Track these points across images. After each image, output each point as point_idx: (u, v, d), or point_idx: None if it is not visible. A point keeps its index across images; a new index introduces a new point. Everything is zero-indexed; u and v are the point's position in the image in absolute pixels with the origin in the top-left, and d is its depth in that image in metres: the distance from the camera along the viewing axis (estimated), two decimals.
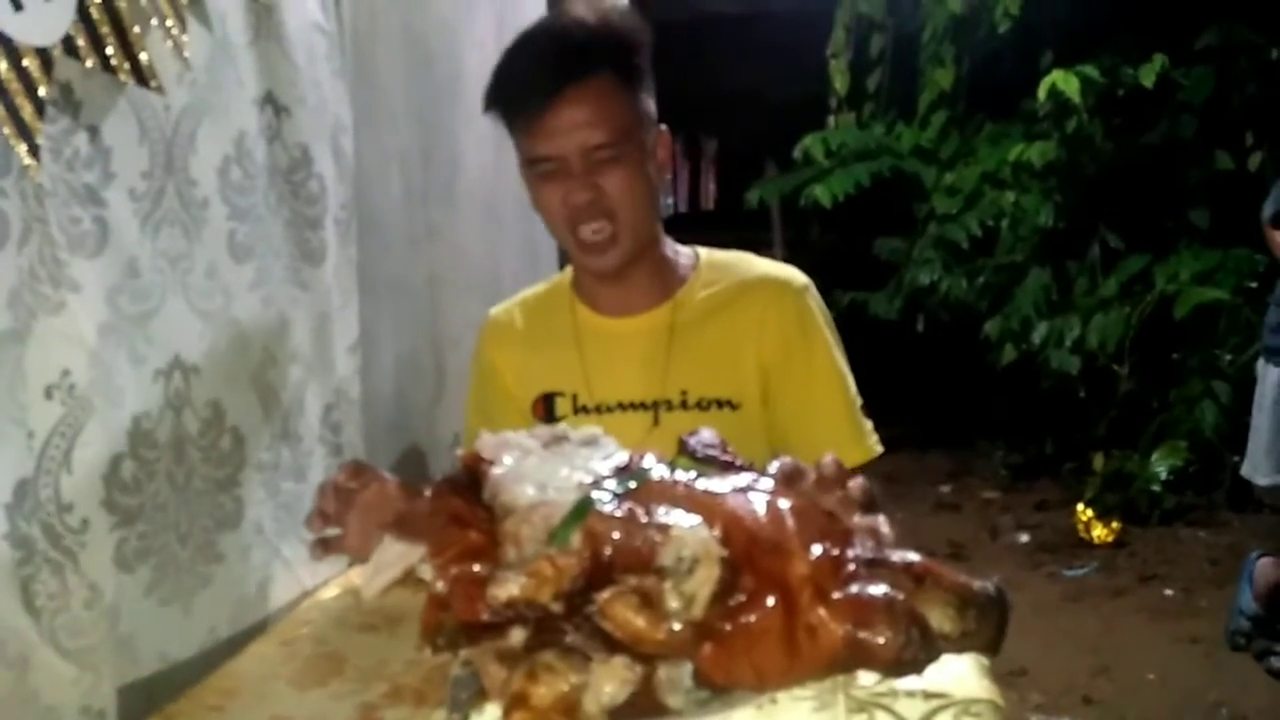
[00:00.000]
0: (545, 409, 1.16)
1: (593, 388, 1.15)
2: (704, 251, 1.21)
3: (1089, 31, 4.01)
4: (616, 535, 0.69)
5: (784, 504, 0.73)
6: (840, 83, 4.55)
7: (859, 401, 1.16)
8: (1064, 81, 3.73)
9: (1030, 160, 4.03)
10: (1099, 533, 3.59)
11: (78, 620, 0.78)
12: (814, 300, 1.17)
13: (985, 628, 0.70)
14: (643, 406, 1.13)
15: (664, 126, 1.13)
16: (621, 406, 1.14)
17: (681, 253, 1.19)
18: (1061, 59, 3.93)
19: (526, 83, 1.06)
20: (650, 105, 1.11)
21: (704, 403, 1.12)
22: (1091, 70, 3.78)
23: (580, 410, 1.14)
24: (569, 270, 1.22)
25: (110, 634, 0.81)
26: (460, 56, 1.82)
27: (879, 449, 1.16)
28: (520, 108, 1.06)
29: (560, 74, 1.04)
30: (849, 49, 4.51)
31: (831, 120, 4.63)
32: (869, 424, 1.16)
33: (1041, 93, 3.81)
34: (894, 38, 4.53)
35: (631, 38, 1.09)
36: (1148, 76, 3.76)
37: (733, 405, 1.12)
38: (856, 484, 0.76)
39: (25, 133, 0.73)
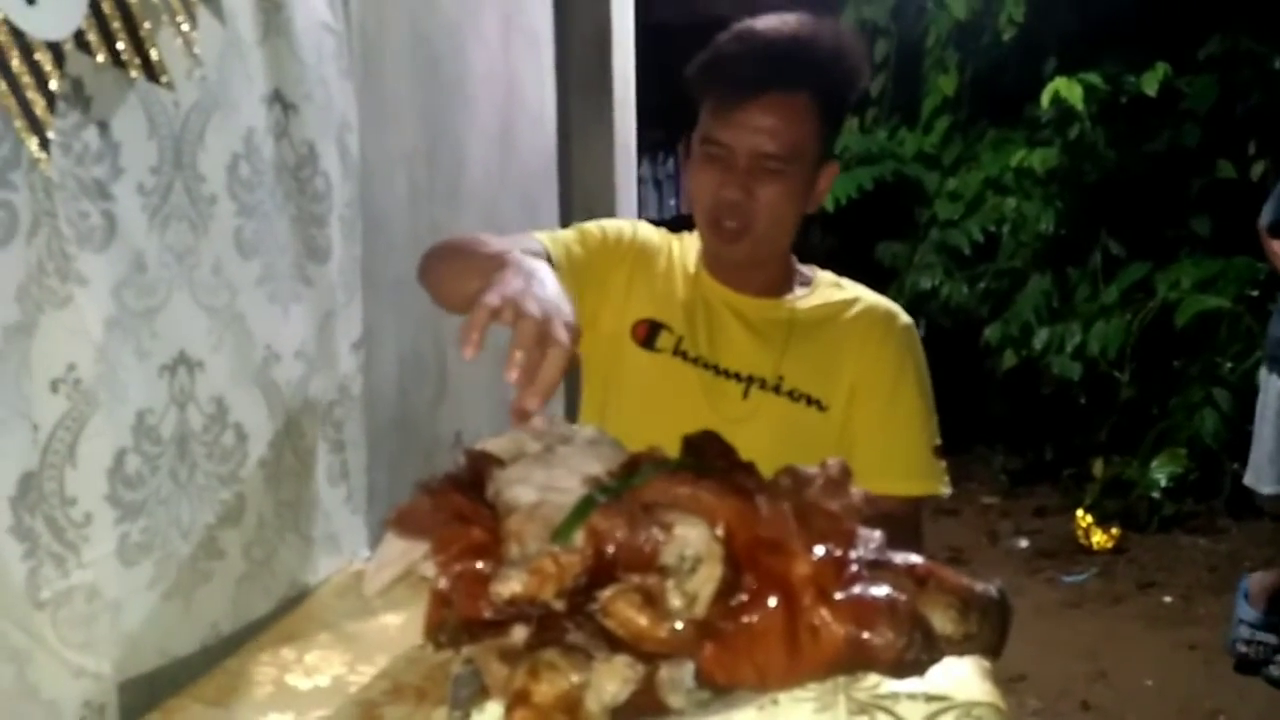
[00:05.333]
0: (647, 334, 1.18)
1: (697, 340, 1.18)
2: (822, 271, 1.26)
3: (1092, 39, 4.02)
4: (619, 533, 0.70)
5: (786, 505, 0.74)
6: None
7: (936, 443, 1.19)
8: (1067, 89, 3.74)
9: (1032, 167, 4.04)
10: (1098, 539, 3.60)
11: (80, 614, 0.78)
12: (915, 341, 1.21)
13: (987, 630, 0.71)
14: (736, 377, 1.16)
15: (835, 163, 1.18)
16: (716, 370, 1.17)
17: (802, 268, 1.25)
18: (1065, 66, 3.94)
19: (737, 69, 1.08)
20: (833, 140, 1.16)
21: (796, 394, 1.15)
22: (1095, 78, 3.79)
23: (679, 353, 1.17)
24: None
25: (112, 629, 0.81)
26: (466, 57, 1.82)
27: (945, 490, 1.18)
28: (720, 88, 1.09)
29: (769, 76, 1.07)
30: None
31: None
32: (941, 465, 1.18)
33: (1044, 100, 3.82)
34: (898, 43, 4.54)
35: (849, 74, 1.13)
36: (1151, 85, 3.77)
37: (821, 406, 1.15)
38: (859, 492, 0.77)
39: (36, 126, 0.73)
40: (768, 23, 1.11)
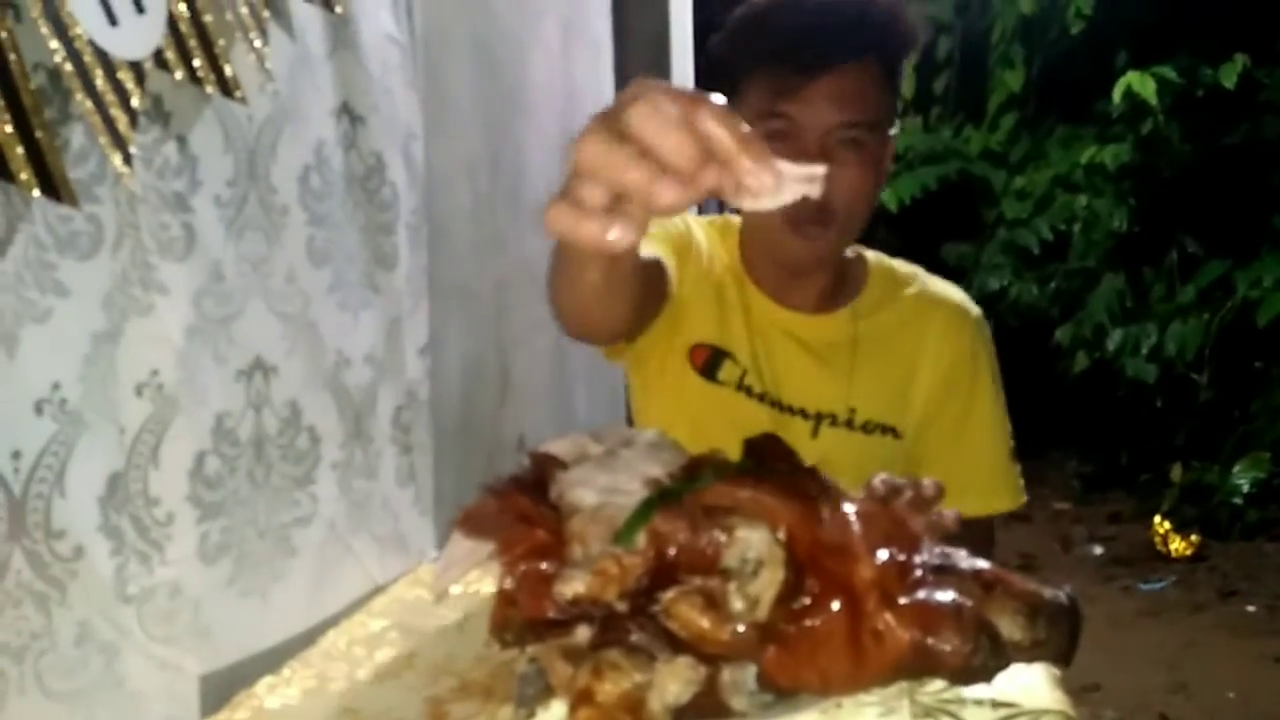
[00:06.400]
0: (708, 363, 1.06)
1: (762, 373, 1.06)
2: (870, 254, 1.14)
3: (1165, 31, 3.90)
4: (681, 536, 0.70)
5: (850, 508, 0.73)
6: (906, 86, 4.49)
7: (1011, 446, 1.11)
8: (1140, 83, 3.65)
9: (1104, 163, 3.94)
10: (1177, 546, 3.49)
11: (164, 610, 0.81)
12: (988, 338, 1.13)
13: (1056, 637, 0.69)
14: (803, 414, 1.05)
15: (894, 131, 1.07)
16: (780, 406, 1.06)
17: (847, 256, 1.12)
18: (1136, 60, 3.84)
19: (805, 42, 0.99)
20: (895, 109, 1.06)
21: (869, 426, 1.05)
22: (1168, 71, 3.68)
23: (744, 389, 1.05)
24: (732, 227, 1.11)
25: (194, 624, 0.84)
26: (527, 65, 1.85)
27: (1024, 498, 1.11)
28: (784, 65, 0.98)
29: (844, 44, 0.98)
30: (915, 51, 4.45)
31: (897, 123, 4.57)
32: (1017, 471, 1.11)
33: (1116, 94, 3.72)
34: (962, 39, 4.46)
35: (908, 36, 1.06)
36: (1228, 77, 3.66)
37: (896, 433, 1.06)
38: (951, 514, 0.75)
39: (120, 142, 0.76)
40: None
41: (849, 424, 1.05)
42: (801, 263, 1.06)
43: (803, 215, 0.98)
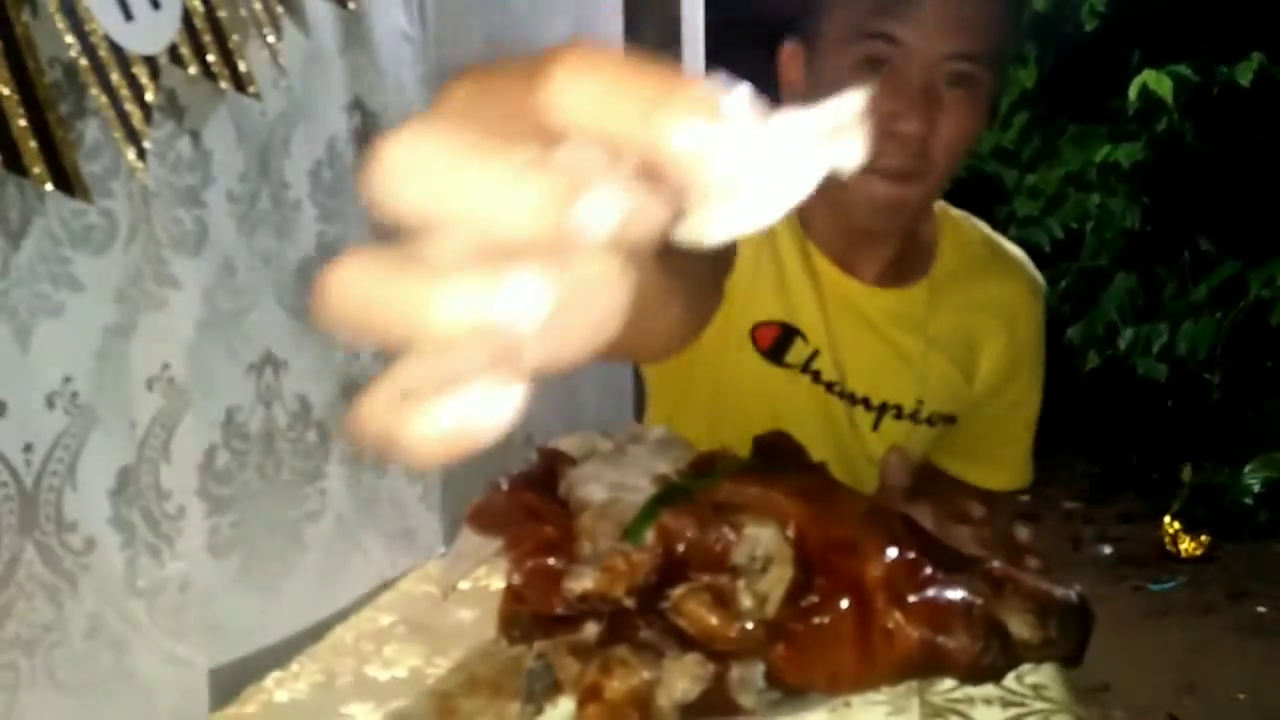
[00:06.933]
0: (777, 343, 0.90)
1: (838, 358, 0.91)
2: (941, 209, 0.97)
3: (1179, 29, 3.88)
4: (690, 533, 0.70)
5: (859, 506, 0.73)
6: None
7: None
8: (1156, 82, 3.63)
9: (1117, 161, 3.92)
10: (1187, 546, 3.48)
11: (174, 603, 0.82)
12: (1044, 317, 1.01)
13: (1066, 637, 0.69)
14: (866, 404, 0.93)
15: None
16: (843, 394, 0.93)
17: None
18: (1150, 57, 3.82)
19: None
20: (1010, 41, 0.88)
21: (934, 418, 0.94)
22: (1184, 69, 3.67)
23: (809, 372, 0.90)
24: None
25: (203, 617, 0.85)
26: None
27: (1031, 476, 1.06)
28: None
29: None
30: None
31: None
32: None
33: (1132, 93, 3.71)
34: None
35: None
36: (1244, 75, 3.64)
37: (952, 421, 0.96)
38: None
39: (133, 137, 0.77)
40: None
41: (914, 416, 0.94)
42: (876, 220, 0.86)
43: (889, 165, 0.81)
